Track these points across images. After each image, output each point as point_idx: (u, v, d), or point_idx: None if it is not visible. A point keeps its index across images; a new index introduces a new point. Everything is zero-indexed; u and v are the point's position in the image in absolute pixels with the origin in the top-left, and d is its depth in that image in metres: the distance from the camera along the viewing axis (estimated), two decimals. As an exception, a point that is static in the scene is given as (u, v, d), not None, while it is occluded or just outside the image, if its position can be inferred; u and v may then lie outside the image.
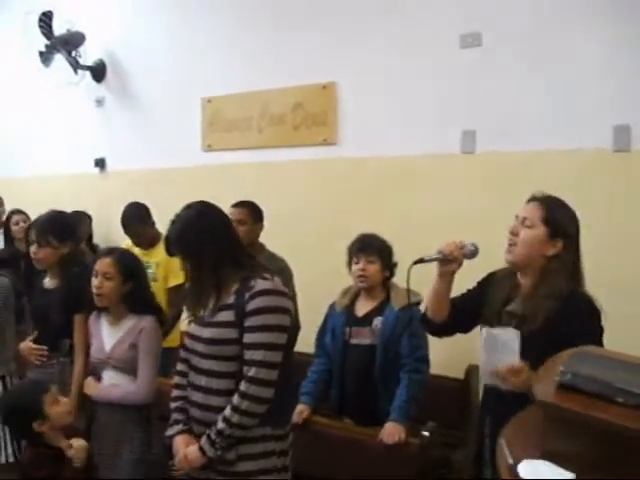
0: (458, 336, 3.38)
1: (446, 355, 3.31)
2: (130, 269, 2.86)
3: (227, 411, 2.15)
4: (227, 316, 2.19)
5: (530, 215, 2.26)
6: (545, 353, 1.91)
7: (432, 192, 3.94)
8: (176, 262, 3.97)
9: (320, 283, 3.93)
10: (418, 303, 2.99)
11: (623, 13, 3.38)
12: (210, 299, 2.24)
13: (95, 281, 2.78)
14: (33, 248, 3.15)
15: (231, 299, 2.20)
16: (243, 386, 2.14)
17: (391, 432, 2.86)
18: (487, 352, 2.15)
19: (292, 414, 2.54)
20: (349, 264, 3.19)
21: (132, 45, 5.46)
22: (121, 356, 2.78)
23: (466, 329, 2.54)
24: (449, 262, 2.31)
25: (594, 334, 2.12)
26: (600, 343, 2.10)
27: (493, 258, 2.38)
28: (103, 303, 2.82)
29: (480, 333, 2.24)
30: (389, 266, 3.17)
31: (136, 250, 3.89)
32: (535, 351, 2.00)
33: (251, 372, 2.13)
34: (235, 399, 2.14)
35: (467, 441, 3.43)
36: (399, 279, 3.19)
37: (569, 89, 3.53)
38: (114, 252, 2.92)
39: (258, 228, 3.79)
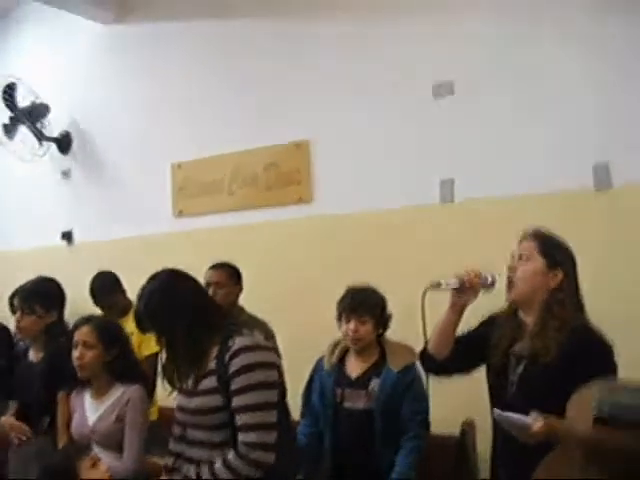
0: (453, 391, 3.29)
1: (440, 410, 3.15)
2: (111, 336, 2.73)
3: (218, 464, 1.99)
4: (210, 383, 2.06)
5: (526, 250, 2.23)
6: (563, 388, 1.80)
7: (413, 244, 3.86)
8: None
9: (303, 344, 3.77)
10: (416, 362, 2.86)
11: (600, 50, 3.41)
12: (191, 369, 2.10)
13: (75, 352, 2.65)
14: (17, 316, 3.02)
15: (212, 364, 2.07)
16: (243, 449, 1.97)
17: None
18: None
19: (294, 473, 2.31)
20: (339, 320, 3.00)
21: (98, 114, 5.38)
22: (105, 431, 2.60)
23: (467, 370, 2.42)
24: (464, 292, 2.23)
25: (611, 372, 2.03)
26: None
27: (479, 304, 2.31)
28: (85, 374, 2.68)
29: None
30: (383, 321, 2.99)
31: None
32: (554, 387, 1.91)
33: (249, 438, 1.96)
34: (232, 458, 1.97)
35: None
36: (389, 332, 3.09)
37: (546, 131, 3.53)
38: (92, 320, 2.80)
39: (237, 290, 3.64)
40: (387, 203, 3.98)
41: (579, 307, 2.21)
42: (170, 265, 4.60)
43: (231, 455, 1.97)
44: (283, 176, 4.41)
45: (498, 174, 3.65)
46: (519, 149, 3.60)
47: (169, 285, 2.16)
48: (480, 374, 2.44)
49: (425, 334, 2.36)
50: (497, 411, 2.02)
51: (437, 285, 2.25)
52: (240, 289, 3.65)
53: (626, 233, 3.30)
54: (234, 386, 1.99)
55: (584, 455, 1.26)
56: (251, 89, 4.57)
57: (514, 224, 2.45)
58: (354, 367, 2.98)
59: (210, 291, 3.49)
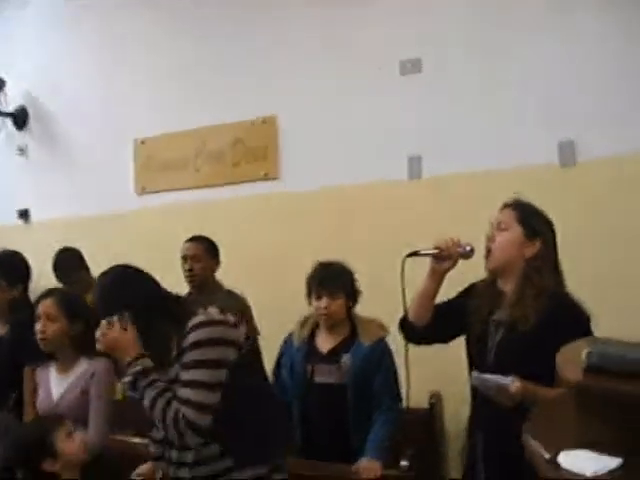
0: (422, 364, 3.32)
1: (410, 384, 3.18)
2: (75, 308, 2.65)
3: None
4: (173, 372, 1.98)
5: (504, 218, 2.24)
6: (540, 354, 1.88)
7: (381, 219, 3.88)
8: None
9: (270, 320, 3.77)
10: (386, 336, 2.88)
11: (565, 31, 3.47)
12: (155, 361, 2.00)
13: (38, 325, 2.56)
14: None
15: (174, 353, 1.99)
16: (178, 417, 1.89)
17: (368, 468, 2.67)
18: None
19: (278, 449, 2.16)
20: (308, 296, 2.97)
21: (56, 89, 5.23)
22: (70, 405, 2.53)
23: (446, 339, 2.43)
24: (443, 259, 2.22)
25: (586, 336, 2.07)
26: None
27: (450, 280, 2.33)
28: (48, 348, 2.59)
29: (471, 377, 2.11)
30: (353, 296, 2.96)
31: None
32: (531, 353, 1.95)
33: (184, 410, 1.88)
34: (172, 410, 1.90)
35: (440, 468, 3.32)
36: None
37: (512, 109, 3.59)
38: (54, 292, 2.71)
39: (214, 264, 3.57)
40: (354, 179, 3.99)
41: (558, 276, 2.23)
42: (133, 243, 4.63)
43: (173, 407, 1.90)
44: (250, 152, 4.38)
45: (465, 151, 3.69)
46: (486, 126, 3.65)
47: (121, 279, 2.08)
48: (451, 348, 2.47)
49: (404, 301, 2.33)
50: (475, 373, 2.04)
51: (415, 253, 2.25)
52: (217, 263, 3.59)
53: (589, 207, 3.38)
54: (183, 361, 1.92)
55: (577, 405, 1.28)
56: (218, 65, 4.51)
57: (481, 200, 2.51)
58: (324, 342, 2.96)
59: (187, 264, 3.45)
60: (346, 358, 2.88)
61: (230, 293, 3.51)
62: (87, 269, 3.99)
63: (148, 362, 1.96)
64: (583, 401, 1.26)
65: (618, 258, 3.29)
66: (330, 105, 4.10)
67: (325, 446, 2.87)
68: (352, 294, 2.96)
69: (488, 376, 2.00)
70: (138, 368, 1.95)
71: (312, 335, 3.00)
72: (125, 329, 1.97)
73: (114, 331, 1.97)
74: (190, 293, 3.54)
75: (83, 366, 2.60)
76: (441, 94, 3.77)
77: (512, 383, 1.93)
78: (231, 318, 2.00)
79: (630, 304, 3.18)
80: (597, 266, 3.31)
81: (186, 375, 1.90)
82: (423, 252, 2.24)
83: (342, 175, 4.03)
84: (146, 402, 1.93)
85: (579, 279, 3.16)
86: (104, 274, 2.12)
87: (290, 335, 3.09)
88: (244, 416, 1.99)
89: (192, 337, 1.91)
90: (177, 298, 2.15)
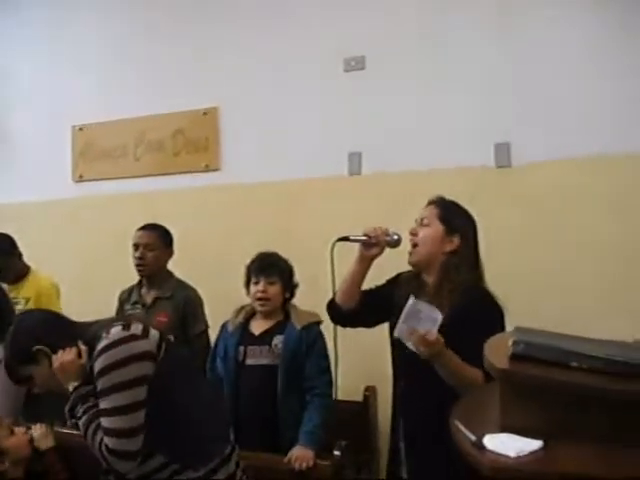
0: (356, 358, 3.38)
1: (343, 377, 3.22)
2: None
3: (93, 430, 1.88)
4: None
5: (427, 215, 2.38)
6: (454, 344, 2.05)
7: (321, 214, 3.90)
8: (48, 296, 3.80)
9: (215, 311, 3.75)
10: (319, 322, 2.93)
11: (505, 32, 3.57)
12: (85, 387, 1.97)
13: None
14: None
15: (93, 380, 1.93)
16: (103, 448, 1.84)
17: (300, 456, 2.68)
18: (408, 319, 2.07)
19: (216, 447, 2.08)
20: (247, 285, 3.02)
21: (-7, 72, 5.08)
22: None
23: (371, 323, 2.55)
24: (372, 246, 2.35)
25: (497, 330, 2.16)
26: None
27: (381, 276, 2.49)
28: None
29: (407, 302, 2.14)
30: (290, 287, 3.03)
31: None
32: (446, 342, 2.03)
33: (107, 441, 1.83)
34: (98, 441, 1.86)
35: (372, 463, 3.37)
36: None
37: (451, 109, 3.66)
38: None
39: (167, 254, 3.48)
40: (295, 173, 4.02)
41: (476, 272, 2.34)
42: (69, 230, 4.55)
43: (98, 439, 1.86)
44: (190, 143, 4.35)
45: (405, 149, 3.76)
46: (425, 125, 3.72)
47: (15, 330, 2.03)
48: (383, 344, 2.53)
49: (334, 285, 2.47)
50: (413, 299, 2.08)
51: (345, 238, 2.39)
52: (171, 253, 3.50)
53: (523, 208, 3.49)
54: (97, 389, 1.87)
55: (502, 391, 1.34)
56: (160, 54, 4.46)
57: (419, 197, 2.56)
58: (258, 326, 3.00)
59: (138, 253, 3.37)
60: (278, 340, 2.92)
61: (180, 282, 3.47)
62: (20, 255, 3.88)
63: (87, 389, 1.93)
64: (508, 387, 1.32)
65: (550, 258, 3.41)
66: (273, 99, 4.11)
67: (255, 431, 2.85)
68: (289, 285, 3.02)
69: (423, 305, 2.07)
70: (78, 394, 1.93)
71: (247, 321, 3.04)
72: (80, 356, 1.94)
73: (70, 354, 1.94)
74: (139, 282, 3.50)
75: None
76: (383, 92, 3.82)
77: (439, 316, 2.02)
78: (138, 328, 1.91)
79: (563, 303, 3.30)
80: (529, 264, 3.42)
81: (101, 404, 1.85)
82: (352, 238, 2.40)
83: (283, 168, 4.05)
84: (81, 430, 1.91)
85: (511, 276, 3.33)
86: (24, 318, 2.11)
87: (225, 323, 3.12)
88: (182, 420, 1.95)
89: (97, 366, 1.85)
90: (72, 324, 2.08)
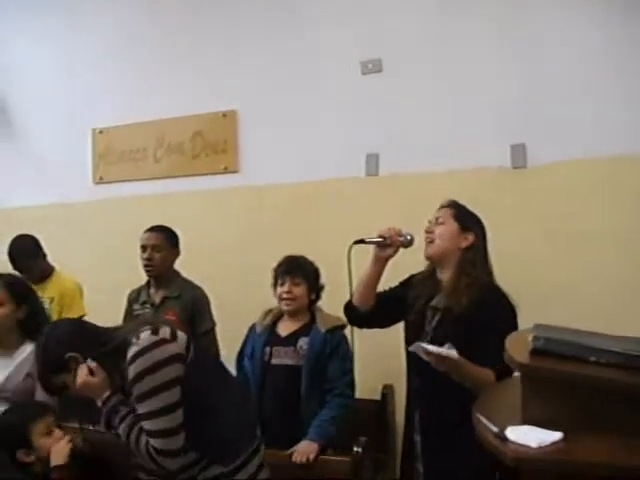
0: (374, 357, 3.43)
1: (361, 376, 3.28)
2: (22, 293, 2.71)
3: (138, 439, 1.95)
4: (131, 405, 2.00)
5: (442, 215, 2.50)
6: (469, 338, 2.13)
7: (338, 215, 3.95)
8: (72, 296, 3.88)
9: (232, 313, 3.82)
10: (344, 326, 2.99)
11: (521, 33, 3.61)
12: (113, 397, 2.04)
13: None
14: None
15: (126, 385, 2.00)
16: (150, 449, 1.92)
17: (303, 450, 2.77)
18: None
19: (244, 444, 2.14)
20: (274, 286, 3.12)
21: (13, 76, 5.12)
22: (16, 388, 2.57)
23: (386, 324, 2.65)
24: (386, 247, 2.47)
25: (512, 328, 2.22)
26: None
27: (401, 274, 2.60)
28: None
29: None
30: (315, 288, 3.11)
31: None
32: (463, 335, 2.14)
33: (154, 442, 1.91)
34: (143, 446, 1.94)
35: (389, 462, 3.41)
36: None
37: (468, 110, 3.70)
38: (2, 277, 2.74)
39: (174, 254, 3.57)
40: (313, 175, 4.07)
41: (488, 269, 2.46)
42: (90, 232, 4.62)
43: (143, 441, 1.94)
44: (209, 145, 4.41)
45: (421, 150, 3.80)
46: (442, 127, 3.76)
47: (72, 330, 2.10)
48: (400, 342, 2.59)
49: (351, 287, 2.56)
50: (417, 343, 2.12)
51: (361, 241, 2.50)
52: (177, 253, 3.59)
53: (539, 209, 3.52)
54: (133, 394, 1.94)
55: (523, 385, 1.39)
56: (180, 57, 4.52)
57: (436, 198, 2.63)
58: (285, 328, 3.09)
59: (146, 254, 3.46)
60: (303, 342, 3.01)
61: (187, 282, 3.56)
62: (44, 256, 3.97)
63: (116, 399, 2.01)
64: (529, 381, 1.37)
65: (563, 260, 3.44)
66: (291, 102, 4.16)
67: (279, 430, 2.89)
68: (315, 286, 3.11)
69: (429, 347, 2.08)
70: (109, 406, 1.99)
71: (274, 323, 3.14)
72: (92, 373, 1.99)
73: (81, 376, 1.99)
74: (147, 283, 3.59)
75: (28, 350, 2.62)
76: (400, 94, 3.86)
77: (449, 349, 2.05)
78: (166, 332, 1.96)
79: (575, 306, 3.29)
80: (543, 265, 3.46)
81: (140, 409, 1.92)
82: (368, 240, 2.51)
83: (301, 170, 4.11)
84: (122, 437, 1.98)
85: (525, 275, 3.36)
86: (53, 328, 2.15)
87: (254, 324, 3.22)
88: (212, 418, 2.01)
89: (131, 372, 1.92)
90: (106, 331, 2.12)
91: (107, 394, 2.01)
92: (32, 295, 2.84)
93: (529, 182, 3.57)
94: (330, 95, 4.07)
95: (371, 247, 2.53)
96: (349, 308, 2.61)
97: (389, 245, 2.47)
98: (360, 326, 2.69)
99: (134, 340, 1.95)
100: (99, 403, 2.01)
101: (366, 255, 2.56)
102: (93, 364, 2.00)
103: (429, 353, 2.03)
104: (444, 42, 3.76)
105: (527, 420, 1.35)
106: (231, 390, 2.21)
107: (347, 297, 2.63)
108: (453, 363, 2.02)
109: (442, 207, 2.54)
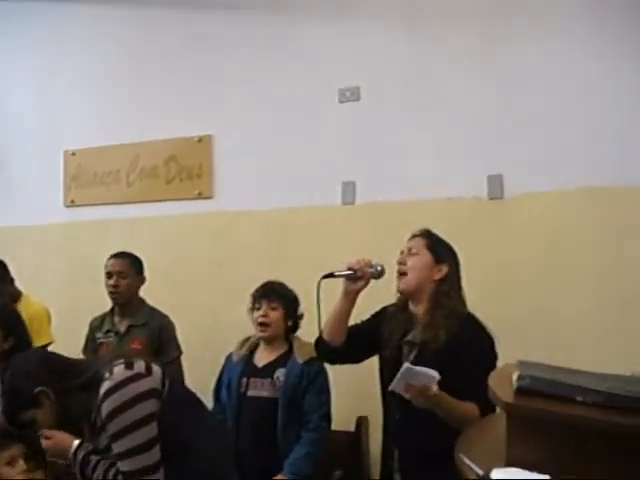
0: (348, 387, 3.38)
1: (335, 407, 3.22)
2: (9, 323, 2.62)
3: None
4: (104, 439, 1.90)
5: (414, 245, 2.44)
6: (450, 371, 2.05)
7: (313, 244, 3.91)
8: (40, 322, 3.77)
9: (203, 339, 3.76)
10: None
11: (496, 63, 3.62)
12: (81, 435, 1.96)
13: None
14: None
15: (99, 420, 1.90)
16: None
17: None
18: (404, 377, 2.04)
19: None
20: (252, 310, 3.07)
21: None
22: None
23: (360, 359, 2.56)
24: (357, 280, 2.39)
25: (492, 360, 2.22)
26: (495, 368, 2.15)
27: (377, 303, 2.54)
28: None
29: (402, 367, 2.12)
30: (293, 316, 3.07)
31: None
32: (441, 370, 2.03)
33: None
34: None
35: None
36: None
37: (445, 140, 3.70)
38: None
39: (139, 281, 3.53)
40: (288, 202, 4.03)
41: (462, 300, 2.42)
42: (60, 256, 4.52)
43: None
44: (184, 170, 4.36)
45: (398, 179, 3.78)
46: (419, 156, 3.75)
47: (34, 362, 2.01)
48: (373, 373, 2.56)
49: (319, 322, 2.48)
50: (406, 364, 2.06)
51: (330, 275, 2.41)
52: (143, 280, 3.54)
53: (515, 239, 3.51)
54: (108, 432, 1.85)
55: (508, 425, 1.35)
56: (155, 80, 4.49)
57: (412, 228, 2.61)
58: (262, 358, 3.04)
59: (112, 280, 3.41)
60: (280, 373, 2.96)
61: (153, 310, 3.52)
62: (12, 280, 3.86)
63: (84, 450, 1.93)
64: (514, 421, 1.33)
65: (539, 292, 3.42)
66: (267, 128, 4.13)
67: (255, 464, 2.86)
68: (292, 313, 3.07)
69: (418, 368, 2.05)
70: (79, 460, 1.91)
71: (251, 353, 3.09)
72: (48, 437, 1.94)
73: (44, 442, 1.94)
74: (111, 310, 3.53)
75: None
76: (378, 123, 3.85)
77: (434, 383, 2.00)
78: (141, 366, 1.89)
79: (551, 335, 3.31)
80: (518, 296, 3.45)
81: (116, 448, 1.83)
82: (337, 273, 2.42)
83: (276, 197, 4.06)
84: None
85: (502, 306, 3.34)
86: (20, 361, 2.06)
87: (231, 354, 3.17)
88: (188, 453, 1.93)
89: (105, 409, 1.83)
90: (85, 362, 2.08)
91: (74, 447, 1.92)
92: (20, 326, 2.78)
93: (506, 213, 3.57)
94: (307, 122, 4.05)
95: (341, 280, 2.47)
96: (320, 343, 2.53)
97: (359, 278, 2.40)
98: (333, 362, 2.64)
99: (107, 375, 1.86)
100: (69, 456, 1.93)
101: (338, 287, 2.50)
102: (46, 431, 1.93)
103: (410, 388, 1.98)
104: (423, 72, 3.77)
105: (512, 461, 1.31)
106: (206, 424, 2.14)
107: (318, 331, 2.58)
108: (434, 398, 1.97)
109: (414, 236, 2.50)
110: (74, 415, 1.94)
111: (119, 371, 1.85)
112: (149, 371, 1.89)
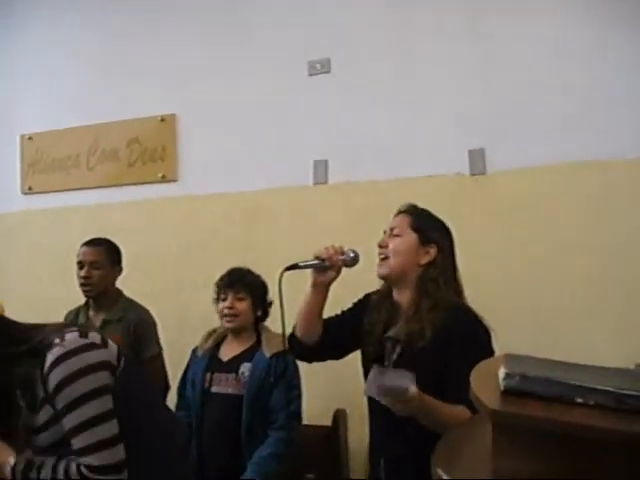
0: (326, 381, 3.17)
1: (312, 402, 3.01)
2: None
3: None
4: (46, 414, 1.65)
5: (398, 224, 2.13)
6: (436, 371, 1.82)
7: (285, 227, 3.69)
8: None
9: (174, 329, 3.52)
10: None
11: (477, 35, 3.40)
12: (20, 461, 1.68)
13: None
14: None
15: (41, 392, 1.64)
16: (85, 471, 1.59)
17: None
18: (376, 379, 1.79)
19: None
20: (216, 301, 2.84)
21: None
22: None
23: (339, 355, 2.27)
24: (326, 270, 2.08)
25: (486, 356, 1.93)
26: None
27: (356, 288, 2.26)
28: None
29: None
30: (262, 305, 2.85)
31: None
32: (425, 369, 1.78)
33: (89, 460, 1.58)
34: (74, 470, 1.60)
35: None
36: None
37: (423, 115, 3.48)
38: None
39: (116, 272, 3.18)
40: (257, 184, 3.79)
41: (456, 287, 2.11)
42: (17, 245, 4.25)
43: (74, 468, 1.61)
44: (147, 152, 4.09)
45: (375, 156, 3.55)
46: (396, 132, 3.52)
47: None
48: (355, 365, 2.32)
49: (283, 318, 2.11)
50: (375, 366, 1.79)
51: (294, 266, 2.08)
52: (119, 270, 3.20)
53: (498, 216, 3.31)
54: (57, 405, 1.61)
55: (493, 433, 1.12)
56: (115, 58, 4.22)
57: (390, 208, 2.35)
58: (227, 351, 2.83)
59: (83, 271, 3.07)
60: (245, 368, 2.73)
61: (130, 302, 3.19)
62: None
63: (24, 459, 1.66)
64: (501, 430, 1.10)
65: (523, 268, 3.23)
66: (234, 106, 3.88)
67: (219, 465, 2.68)
68: (261, 302, 2.85)
69: (389, 369, 1.83)
70: (20, 469, 1.64)
71: (217, 346, 2.86)
72: None
73: None
74: (86, 303, 3.22)
75: None
76: (350, 97, 3.62)
77: (411, 384, 1.68)
78: (96, 337, 1.68)
79: (533, 318, 3.12)
80: (501, 274, 3.24)
81: (68, 423, 1.59)
82: (302, 264, 2.09)
83: (244, 178, 3.82)
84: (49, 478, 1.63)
85: (483, 287, 3.13)
86: None
87: (196, 347, 2.94)
88: (134, 442, 1.67)
89: (53, 378, 1.59)
90: (32, 327, 1.75)
91: (12, 460, 1.65)
92: None
93: (487, 189, 3.35)
94: (275, 98, 3.80)
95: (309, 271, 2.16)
96: (293, 341, 2.22)
97: (329, 268, 2.09)
98: (309, 360, 2.32)
99: (57, 341, 1.62)
100: (8, 473, 1.65)
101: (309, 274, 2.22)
102: None
103: (387, 392, 1.72)
104: (398, 41, 3.53)
105: (498, 474, 1.08)
106: (162, 416, 1.91)
107: (294, 312, 2.28)
108: (414, 402, 1.67)
109: (399, 213, 2.19)
110: (9, 387, 1.65)
111: (72, 337, 1.63)
112: (105, 344, 1.69)
